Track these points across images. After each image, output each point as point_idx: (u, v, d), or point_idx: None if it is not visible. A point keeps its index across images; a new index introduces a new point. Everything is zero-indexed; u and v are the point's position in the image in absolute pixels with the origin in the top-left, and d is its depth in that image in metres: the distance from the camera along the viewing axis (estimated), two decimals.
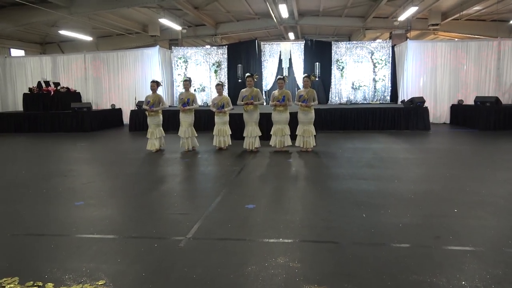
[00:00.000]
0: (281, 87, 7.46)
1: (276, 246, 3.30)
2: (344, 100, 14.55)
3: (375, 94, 14.54)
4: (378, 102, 14.28)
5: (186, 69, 15.39)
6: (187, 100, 7.79)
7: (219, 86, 7.76)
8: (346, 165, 6.55)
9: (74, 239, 3.51)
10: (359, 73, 14.49)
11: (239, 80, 15.17)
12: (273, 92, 7.49)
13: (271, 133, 7.58)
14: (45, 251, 3.26)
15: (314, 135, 7.69)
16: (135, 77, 14.75)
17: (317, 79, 14.59)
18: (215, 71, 15.27)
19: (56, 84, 14.11)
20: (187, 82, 7.86)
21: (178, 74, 15.40)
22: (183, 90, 8.07)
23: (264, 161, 6.93)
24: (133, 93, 14.73)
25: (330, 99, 14.80)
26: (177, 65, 15.42)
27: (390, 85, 14.42)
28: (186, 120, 7.85)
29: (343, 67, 14.52)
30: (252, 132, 7.66)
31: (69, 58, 15.35)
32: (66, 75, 15.27)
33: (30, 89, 13.88)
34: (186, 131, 7.85)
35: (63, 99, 13.57)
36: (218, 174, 6.08)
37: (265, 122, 8.45)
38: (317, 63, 14.72)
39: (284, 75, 15.01)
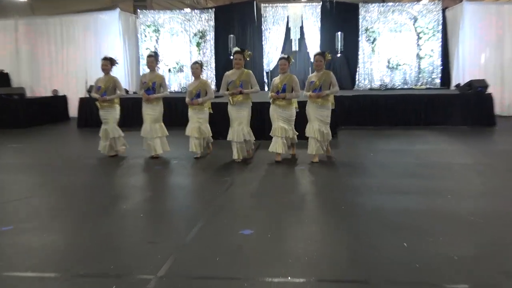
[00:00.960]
0: (283, 70, 7.18)
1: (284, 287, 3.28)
2: (376, 84, 14.60)
3: (420, 76, 14.59)
4: (423, 87, 14.34)
5: (157, 41, 15.44)
6: (152, 84, 7.61)
7: (196, 66, 7.57)
8: (379, 174, 6.56)
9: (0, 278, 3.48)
10: (397, 47, 14.54)
11: (231, 57, 15.16)
12: (274, 78, 7.31)
13: (271, 134, 7.33)
14: None
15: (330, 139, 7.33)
16: (86, 52, 14.76)
17: (338, 54, 14.63)
18: (198, 44, 15.32)
19: None
20: (152, 59, 7.71)
21: (147, 48, 15.44)
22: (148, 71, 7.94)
23: (262, 170, 6.94)
24: (83, 74, 14.73)
25: (357, 83, 14.84)
26: (145, 36, 15.46)
27: (440, 63, 14.48)
28: (150, 114, 7.68)
29: (374, 39, 14.57)
30: (238, 134, 7.23)
31: None
32: None
33: None
34: (150, 129, 7.68)
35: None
36: (200, 188, 6.05)
37: (266, 116, 8.42)
38: (339, 33, 14.77)
39: (293, 51, 15.09)
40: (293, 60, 7.51)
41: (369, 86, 14.65)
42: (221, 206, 5.15)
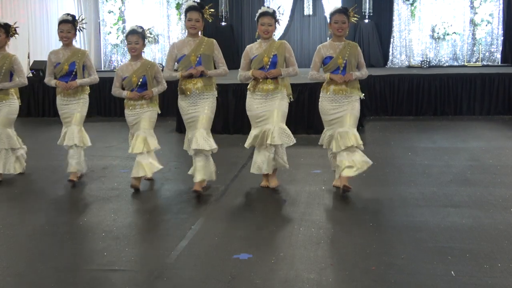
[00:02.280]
0: (267, 33, 6.13)
1: None
2: (416, 60, 14.57)
3: (475, 49, 14.56)
4: (479, 64, 14.30)
5: (123, 2, 15.43)
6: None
7: (134, 39, 6.32)
8: (420, 180, 6.58)
9: None
10: (443, 10, 14.49)
11: (222, 23, 15.20)
12: (250, 46, 6.33)
13: (249, 144, 6.33)
14: None
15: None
16: (29, 18, 14.75)
17: (366, 20, 14.62)
18: (178, 6, 15.31)
19: None
20: (69, 26, 6.78)
21: (109, 12, 15.44)
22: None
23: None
24: (24, 46, 14.71)
25: (390, 58, 14.82)
26: None
27: (501, 32, 14.44)
28: (76, 111, 6.90)
29: (414, 0, 14.52)
30: (197, 141, 5.98)
31: None
32: None
33: None
34: (78, 134, 6.77)
35: None
36: (182, 195, 6.10)
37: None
38: None
39: (305, 15, 15.02)
40: (280, 17, 6.38)
41: (406, 63, 14.61)
42: (210, 221, 5.20)
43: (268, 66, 6.08)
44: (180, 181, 6.78)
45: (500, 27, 14.42)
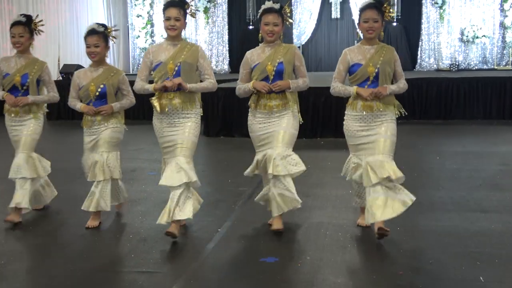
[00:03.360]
0: (272, 36, 5.03)
1: None
2: (445, 63, 14.48)
3: (505, 52, 14.43)
4: (509, 67, 14.18)
5: (151, 7, 15.55)
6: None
7: (93, 40, 5.24)
8: (449, 185, 6.54)
9: None
10: (473, 13, 14.39)
11: (250, 27, 15.23)
12: (250, 53, 5.15)
13: (251, 172, 5.21)
14: None
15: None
16: (59, 23, 14.95)
17: (394, 23, 14.56)
18: (206, 10, 15.38)
19: None
20: (21, 28, 5.51)
21: (138, 16, 15.57)
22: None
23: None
24: (55, 52, 14.93)
25: (419, 62, 14.75)
26: (135, 1, 15.57)
27: None
28: (25, 134, 5.58)
29: (443, 3, 14.44)
30: (174, 178, 4.83)
31: None
32: None
33: None
34: (27, 163, 5.50)
35: None
36: (209, 198, 6.12)
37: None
38: None
39: (333, 18, 15.01)
40: (289, 19, 5.39)
41: (435, 67, 14.54)
42: (238, 223, 5.22)
43: (272, 77, 4.94)
44: (207, 184, 6.80)
45: None
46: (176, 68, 4.88)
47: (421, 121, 11.34)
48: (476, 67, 14.36)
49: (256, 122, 5.06)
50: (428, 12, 14.61)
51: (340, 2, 15.21)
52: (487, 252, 4.41)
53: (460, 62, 14.38)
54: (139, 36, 15.60)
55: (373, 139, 4.76)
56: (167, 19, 5.04)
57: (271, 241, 4.76)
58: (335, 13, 15.24)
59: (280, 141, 4.93)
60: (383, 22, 4.85)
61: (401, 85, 4.90)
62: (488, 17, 14.34)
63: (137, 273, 4.12)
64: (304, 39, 15.40)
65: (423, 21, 14.65)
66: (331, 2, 15.26)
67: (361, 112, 4.78)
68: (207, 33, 15.24)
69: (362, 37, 4.97)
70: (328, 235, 4.88)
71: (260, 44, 5.16)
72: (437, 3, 14.48)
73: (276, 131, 4.96)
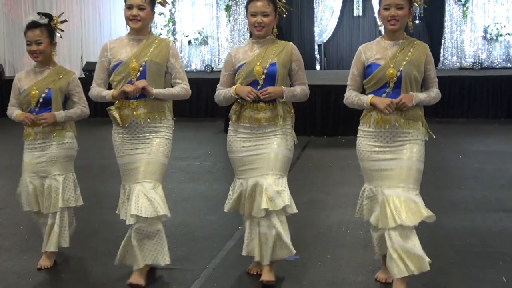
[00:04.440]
0: (260, 30, 3.89)
1: None
2: (468, 61, 14.37)
3: None
4: None
5: (173, 4, 15.60)
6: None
7: (35, 36, 4.14)
8: (471, 184, 6.49)
9: None
10: (496, 11, 14.26)
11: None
12: (231, 51, 4.07)
13: (227, 207, 4.15)
14: None
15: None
16: (81, 19, 15.06)
17: (417, 21, 14.46)
18: (227, 8, 15.41)
19: None
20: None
21: (160, 14, 15.60)
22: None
23: (313, 168, 6.91)
24: (77, 49, 15.05)
25: (442, 60, 14.65)
26: None
27: None
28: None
29: (466, 0, 14.33)
30: (138, 202, 3.77)
31: None
32: None
33: None
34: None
35: None
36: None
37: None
38: None
39: (355, 16, 14.98)
40: (285, 6, 4.13)
41: (458, 65, 14.42)
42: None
43: (262, 82, 3.81)
44: (228, 182, 6.72)
45: None
46: (141, 69, 3.84)
47: (444, 119, 11.26)
48: (500, 66, 14.22)
49: (240, 140, 3.91)
50: (451, 9, 14.48)
51: (362, 0, 15.14)
52: (510, 252, 4.39)
53: (483, 60, 14.27)
54: (160, 34, 15.59)
55: (392, 166, 3.63)
56: (128, 7, 3.87)
57: (292, 239, 4.75)
58: (357, 10, 15.17)
59: (272, 168, 3.81)
60: (411, 9, 3.62)
61: (433, 94, 3.71)
62: None
63: (160, 269, 4.14)
64: (326, 37, 15.36)
65: (446, 18, 14.53)
66: (353, 0, 15.20)
67: (376, 128, 3.64)
68: (229, 31, 15.25)
69: (383, 31, 3.85)
70: (349, 234, 4.88)
71: (247, 40, 4.10)
72: (460, 1, 14.35)
73: (266, 154, 3.84)
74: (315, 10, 15.29)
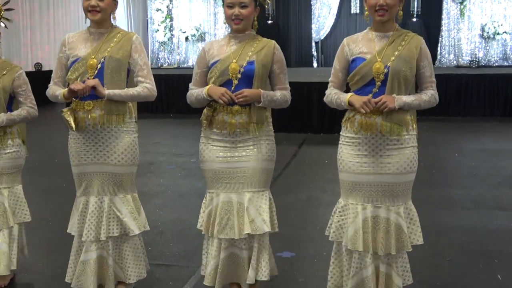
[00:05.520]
0: (238, 23, 3.40)
1: None
2: (465, 60, 14.38)
3: None
4: None
5: (171, 1, 15.60)
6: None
7: None
8: (468, 183, 6.50)
9: None
10: (494, 9, 14.28)
11: (268, 21, 15.21)
12: (205, 46, 3.57)
13: (200, 225, 3.60)
14: None
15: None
16: (78, 15, 15.04)
17: (414, 19, 14.49)
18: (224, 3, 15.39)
19: None
20: None
21: (157, 10, 15.62)
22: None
23: (306, 169, 6.93)
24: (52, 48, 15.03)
25: (439, 58, 14.67)
26: None
27: None
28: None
29: None
30: (91, 222, 3.48)
31: None
32: None
33: None
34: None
35: None
36: None
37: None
38: None
39: (352, 13, 14.99)
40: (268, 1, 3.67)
41: (455, 63, 14.44)
42: None
43: (237, 81, 3.33)
44: None
45: None
46: (99, 66, 3.39)
47: (440, 117, 11.27)
48: (497, 64, 14.24)
49: (213, 148, 3.43)
50: (449, 8, 14.49)
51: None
52: (506, 250, 4.41)
53: (480, 58, 14.29)
54: (158, 30, 15.63)
55: (375, 180, 3.17)
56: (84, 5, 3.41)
57: (288, 236, 4.77)
58: (355, 8, 15.18)
59: (250, 185, 3.40)
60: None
61: (425, 97, 3.16)
62: (509, 13, 14.19)
63: (155, 266, 4.14)
64: (323, 34, 15.38)
65: (443, 17, 14.54)
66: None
67: (358, 134, 3.17)
68: (226, 28, 15.19)
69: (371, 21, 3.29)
70: None
71: (226, 34, 3.64)
72: (457, 0, 14.39)
73: (243, 169, 3.40)
74: (312, 7, 15.30)
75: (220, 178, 3.42)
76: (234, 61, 3.33)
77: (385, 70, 3.07)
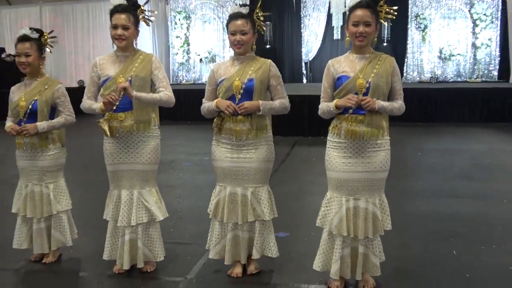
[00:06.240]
0: (240, 47, 3.46)
1: None
2: (426, 76, 14.39)
3: (475, 67, 14.30)
4: (479, 80, 14.05)
5: (188, 29, 15.60)
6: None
7: (25, 47, 3.67)
8: (428, 176, 6.49)
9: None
10: (450, 35, 14.29)
11: (267, 46, 15.23)
12: (214, 67, 3.58)
13: (214, 215, 3.56)
14: None
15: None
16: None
17: (385, 43, 14.48)
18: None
19: (0, 51, 14.54)
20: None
21: (177, 37, 15.62)
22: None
23: (301, 166, 6.92)
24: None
25: (405, 75, 14.67)
26: (175, 23, 15.65)
27: (498, 53, 14.16)
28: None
29: (425, 27, 14.35)
30: (129, 209, 3.55)
31: (19, 13, 15.85)
32: (14, 37, 15.72)
33: None
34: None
35: (10, 72, 13.98)
36: None
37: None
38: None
39: (334, 39, 14.99)
40: (264, 23, 3.62)
41: (418, 79, 14.46)
42: None
43: (240, 96, 3.39)
44: None
45: (497, 49, 14.15)
46: (127, 83, 3.38)
47: (406, 123, 11.23)
48: (452, 80, 14.26)
49: (223, 149, 3.49)
50: (413, 34, 14.51)
51: (341, 26, 15.13)
52: (459, 231, 4.42)
53: (438, 75, 14.32)
54: (177, 53, 15.66)
55: (357, 177, 3.21)
56: (113, 27, 3.47)
57: (283, 219, 4.75)
58: (336, 35, 15.15)
59: (252, 181, 3.47)
60: (377, 25, 3.23)
61: (396, 105, 3.27)
62: (462, 39, 14.23)
63: (176, 244, 4.15)
64: (311, 56, 15.40)
65: (408, 41, 14.55)
66: (333, 26, 15.20)
67: (344, 139, 3.20)
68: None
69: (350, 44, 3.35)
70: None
71: (230, 57, 3.64)
72: (420, 27, 14.42)
73: (246, 168, 3.45)
74: (302, 34, 15.32)
75: (227, 174, 3.47)
76: (237, 79, 3.38)
77: (367, 85, 3.12)
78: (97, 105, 3.45)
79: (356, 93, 3.12)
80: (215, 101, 3.39)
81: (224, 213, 3.44)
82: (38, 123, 3.62)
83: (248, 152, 3.44)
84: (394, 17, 3.29)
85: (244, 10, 3.40)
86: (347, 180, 3.21)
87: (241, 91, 3.38)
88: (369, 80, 3.13)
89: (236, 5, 3.45)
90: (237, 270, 3.55)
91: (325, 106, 3.24)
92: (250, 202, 3.44)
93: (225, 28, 3.40)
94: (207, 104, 3.49)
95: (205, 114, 3.54)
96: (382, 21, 3.27)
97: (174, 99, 3.54)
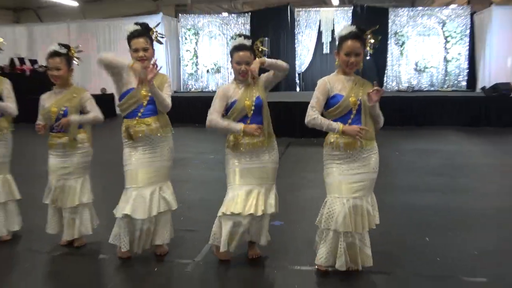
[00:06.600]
0: (244, 76, 3.43)
1: (311, 275, 3.35)
2: (404, 86, 14.40)
3: (447, 78, 14.33)
4: (450, 89, 14.09)
5: (196, 44, 15.60)
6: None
7: (56, 62, 3.70)
8: (405, 173, 6.50)
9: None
10: (425, 50, 14.31)
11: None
12: (223, 89, 3.49)
13: (226, 210, 3.53)
14: None
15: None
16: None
17: (368, 57, 14.47)
18: None
19: (33, 62, 14.57)
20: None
21: (187, 50, 15.61)
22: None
23: (300, 160, 6.94)
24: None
25: (385, 84, 14.70)
26: (185, 38, 15.65)
27: (466, 66, 14.19)
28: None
29: (403, 42, 14.37)
30: (150, 204, 3.56)
31: (49, 29, 15.86)
32: (45, 50, 15.74)
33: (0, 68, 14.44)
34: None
35: (41, 81, 14.01)
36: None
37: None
38: (369, 36, 14.61)
39: (324, 53, 15.00)
40: (265, 49, 3.73)
41: (396, 88, 14.48)
42: None
43: (252, 112, 3.38)
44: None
45: (466, 63, 14.18)
46: (150, 94, 3.47)
47: (386, 127, 11.13)
48: (426, 89, 14.28)
49: (241, 156, 3.45)
50: (392, 49, 14.51)
51: (330, 42, 15.21)
52: (432, 220, 4.45)
53: (414, 85, 14.34)
54: (187, 65, 15.65)
55: (355, 179, 3.23)
56: (134, 50, 3.50)
57: (279, 210, 4.80)
58: (326, 49, 15.21)
59: (265, 180, 3.48)
60: (364, 51, 3.29)
61: (381, 118, 3.44)
62: (435, 53, 14.25)
63: (184, 231, 4.17)
64: (304, 67, 15.41)
65: (388, 56, 14.56)
66: (323, 42, 15.28)
67: (344, 151, 3.21)
68: (231, 74, 15.34)
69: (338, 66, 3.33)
70: (318, 206, 4.88)
71: (232, 80, 3.55)
72: (398, 43, 14.45)
73: (261, 168, 3.46)
74: (296, 48, 15.33)
75: (245, 174, 3.44)
76: (247, 99, 3.38)
77: (358, 102, 3.17)
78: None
79: (350, 110, 3.18)
80: (242, 128, 3.32)
81: (245, 207, 3.38)
82: (71, 117, 3.66)
83: (263, 156, 3.46)
84: (377, 45, 3.35)
85: (248, 43, 3.40)
86: (346, 183, 3.22)
87: (253, 107, 3.37)
88: (360, 98, 3.18)
89: (240, 36, 3.45)
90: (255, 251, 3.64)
91: (326, 123, 3.17)
92: (264, 197, 3.44)
93: (229, 52, 3.43)
94: (222, 124, 3.38)
95: (217, 130, 3.43)
96: (368, 48, 3.32)
97: (171, 104, 3.57)
